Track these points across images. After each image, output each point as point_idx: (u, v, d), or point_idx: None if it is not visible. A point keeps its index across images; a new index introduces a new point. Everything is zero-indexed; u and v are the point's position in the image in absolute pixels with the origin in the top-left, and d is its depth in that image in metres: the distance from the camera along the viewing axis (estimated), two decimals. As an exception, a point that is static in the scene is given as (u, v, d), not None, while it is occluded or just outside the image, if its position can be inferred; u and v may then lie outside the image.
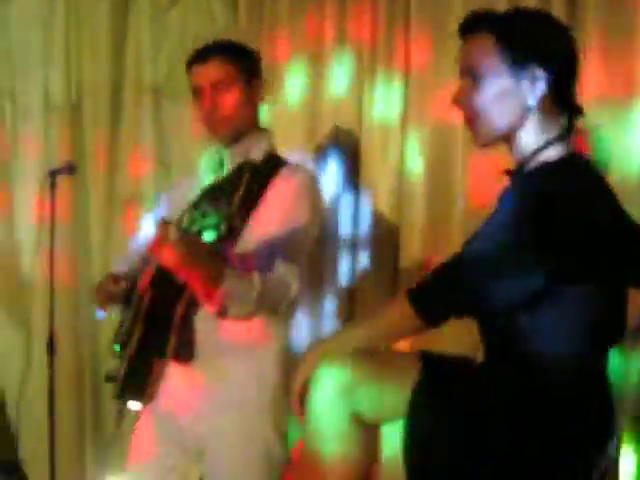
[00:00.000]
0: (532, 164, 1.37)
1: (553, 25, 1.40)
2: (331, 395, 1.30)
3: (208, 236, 1.56)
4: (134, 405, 1.90)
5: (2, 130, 3.02)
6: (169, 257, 1.54)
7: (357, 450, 1.31)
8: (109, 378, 1.93)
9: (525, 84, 1.35)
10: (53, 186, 2.59)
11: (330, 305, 2.53)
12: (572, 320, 1.30)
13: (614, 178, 1.98)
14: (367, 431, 1.33)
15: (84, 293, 2.93)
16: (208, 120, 1.89)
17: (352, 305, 2.50)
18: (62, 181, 2.71)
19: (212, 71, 1.86)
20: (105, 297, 1.95)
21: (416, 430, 1.28)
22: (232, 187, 1.84)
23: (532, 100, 1.35)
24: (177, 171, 3.04)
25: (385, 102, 2.51)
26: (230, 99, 1.86)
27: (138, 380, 1.84)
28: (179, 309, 1.78)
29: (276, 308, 1.81)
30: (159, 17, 3.04)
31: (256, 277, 1.73)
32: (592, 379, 1.34)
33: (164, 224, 1.52)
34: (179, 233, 1.51)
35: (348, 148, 2.59)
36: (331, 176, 2.59)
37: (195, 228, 1.58)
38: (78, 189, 3.01)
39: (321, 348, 1.40)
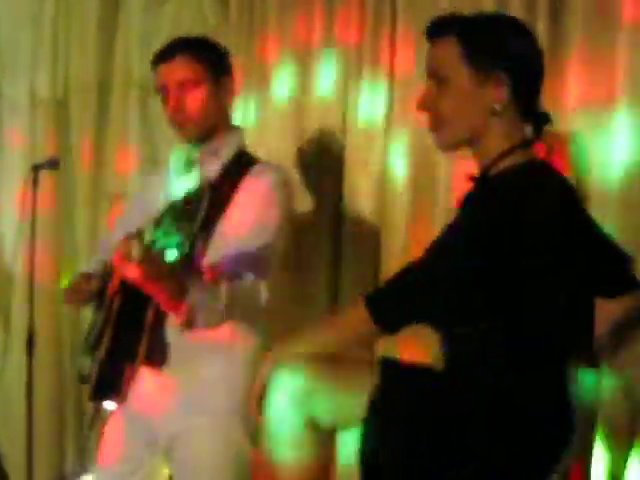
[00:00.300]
0: (495, 170, 1.36)
1: (518, 30, 1.39)
2: (285, 400, 1.30)
3: (171, 255, 1.54)
4: (109, 405, 1.90)
5: None
6: (132, 274, 1.53)
7: (311, 455, 1.30)
8: (82, 378, 1.93)
9: (489, 89, 1.34)
10: (35, 181, 2.58)
11: (314, 309, 2.52)
12: (530, 328, 1.29)
13: (594, 184, 1.99)
14: (322, 436, 1.32)
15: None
16: (174, 120, 1.86)
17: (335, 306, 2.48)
18: (46, 177, 2.71)
19: (178, 70, 1.83)
20: (77, 296, 1.94)
21: (373, 435, 1.27)
22: (195, 204, 1.80)
23: (496, 105, 1.34)
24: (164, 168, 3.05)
25: (370, 103, 2.51)
26: (197, 99, 1.83)
27: (110, 382, 1.83)
28: (149, 313, 1.77)
29: (245, 316, 1.80)
30: (149, 15, 3.04)
31: (223, 289, 1.70)
32: (550, 386, 1.33)
33: (127, 241, 1.51)
34: (142, 251, 1.49)
35: (332, 148, 2.59)
36: (314, 177, 2.59)
37: (158, 246, 1.56)
38: (63, 185, 3.01)
39: (279, 352, 1.39)
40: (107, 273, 1.89)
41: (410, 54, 2.42)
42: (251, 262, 1.72)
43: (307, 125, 2.65)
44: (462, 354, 1.35)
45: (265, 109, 2.74)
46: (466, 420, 1.27)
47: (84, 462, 2.66)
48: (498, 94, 1.34)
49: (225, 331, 1.80)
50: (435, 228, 2.32)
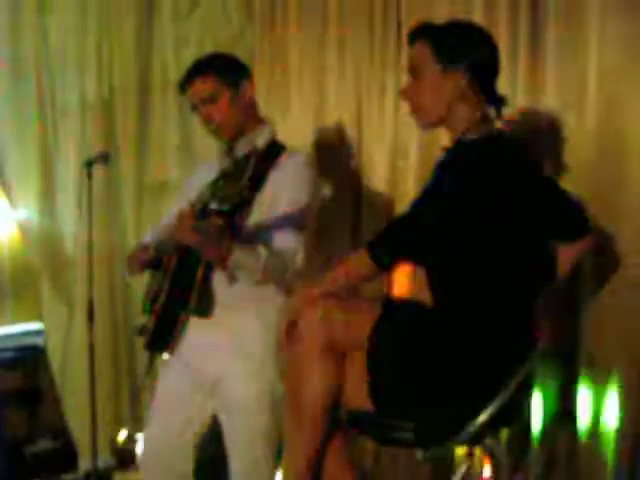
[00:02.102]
0: (463, 141, 1.74)
1: (477, 34, 1.77)
2: (309, 328, 1.69)
3: (224, 207, 1.95)
4: (162, 354, 2.30)
5: (43, 126, 3.42)
6: (187, 239, 1.96)
7: (330, 371, 1.69)
8: (139, 331, 2.33)
9: (452, 78, 1.72)
10: (90, 174, 3.01)
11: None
12: (498, 265, 1.67)
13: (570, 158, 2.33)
14: (337, 356, 1.71)
15: (117, 267, 3.37)
16: (209, 130, 2.24)
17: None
18: (98, 170, 3.12)
19: (198, 90, 2.18)
20: (135, 263, 2.34)
21: (376, 353, 1.66)
22: (241, 169, 2.20)
23: (458, 91, 1.71)
24: (200, 160, 3.46)
25: (380, 94, 2.89)
26: (221, 109, 2.18)
27: (165, 332, 2.22)
28: (199, 272, 2.14)
29: (283, 276, 2.14)
30: (180, 21, 3.45)
31: (262, 250, 2.07)
32: (518, 313, 1.70)
33: (182, 213, 1.93)
34: (194, 221, 1.91)
35: (350, 134, 2.98)
36: (335, 156, 2.96)
37: (213, 202, 1.97)
38: (112, 176, 3.43)
39: (302, 293, 1.79)
40: (161, 243, 2.29)
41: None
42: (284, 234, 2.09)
43: (327, 119, 3.04)
44: (445, 292, 1.73)
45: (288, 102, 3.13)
46: (450, 341, 1.65)
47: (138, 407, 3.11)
48: (460, 83, 1.72)
49: (259, 290, 2.16)
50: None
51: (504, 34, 2.41)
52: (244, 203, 2.08)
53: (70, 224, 3.40)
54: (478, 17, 2.45)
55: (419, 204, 1.67)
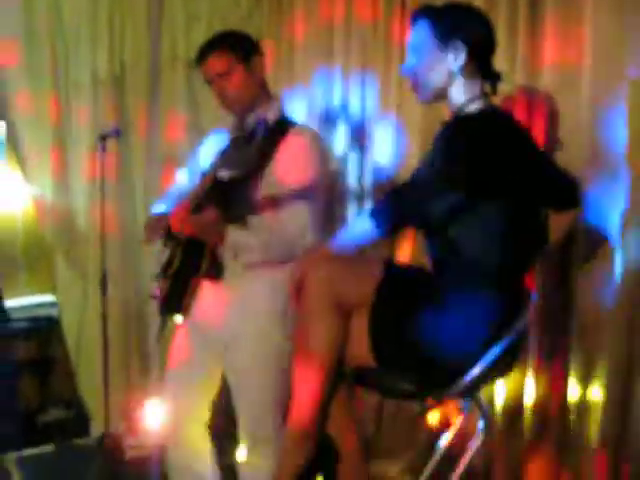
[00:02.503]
0: (461, 114, 1.86)
1: (473, 13, 1.88)
2: (317, 287, 1.82)
3: (235, 174, 2.06)
4: (176, 318, 2.43)
5: (57, 99, 3.53)
6: (184, 231, 2.18)
7: (335, 325, 1.83)
8: (153, 297, 2.46)
9: (450, 56, 1.84)
10: (103, 148, 3.12)
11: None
12: (494, 232, 1.79)
13: (566, 130, 2.45)
14: (343, 315, 1.84)
15: (128, 240, 3.50)
16: (222, 104, 2.35)
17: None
18: (109, 144, 3.23)
19: (212, 66, 2.30)
20: (152, 232, 2.46)
21: (379, 312, 1.80)
22: (251, 141, 2.33)
23: (455, 67, 1.83)
24: (204, 134, 3.59)
25: (384, 73, 3.01)
26: (234, 83, 2.29)
27: (177, 294, 2.36)
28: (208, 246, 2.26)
29: (288, 253, 2.23)
30: (190, 2, 3.55)
31: (264, 228, 2.19)
32: (512, 276, 1.83)
33: (177, 208, 2.16)
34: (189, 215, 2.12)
35: (355, 112, 3.10)
36: (340, 135, 3.09)
37: (222, 170, 2.08)
38: (122, 151, 3.55)
39: (311, 255, 1.92)
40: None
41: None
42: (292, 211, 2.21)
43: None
44: (443, 256, 1.86)
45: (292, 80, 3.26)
46: (448, 302, 1.78)
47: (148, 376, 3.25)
48: (457, 59, 1.83)
49: (268, 262, 2.28)
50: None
51: (503, 13, 2.51)
52: (252, 173, 2.20)
53: (82, 199, 3.51)
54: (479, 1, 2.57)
55: (419, 174, 1.79)
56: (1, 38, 3.37)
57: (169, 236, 2.42)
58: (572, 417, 2.41)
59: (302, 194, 2.23)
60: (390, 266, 1.88)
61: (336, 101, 3.20)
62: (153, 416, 3.43)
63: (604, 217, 2.24)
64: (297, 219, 2.23)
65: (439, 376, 1.78)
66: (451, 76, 1.85)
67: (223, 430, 2.58)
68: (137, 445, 3.38)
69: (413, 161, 2.86)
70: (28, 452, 3.39)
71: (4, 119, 3.58)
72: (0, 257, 4.09)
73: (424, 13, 1.86)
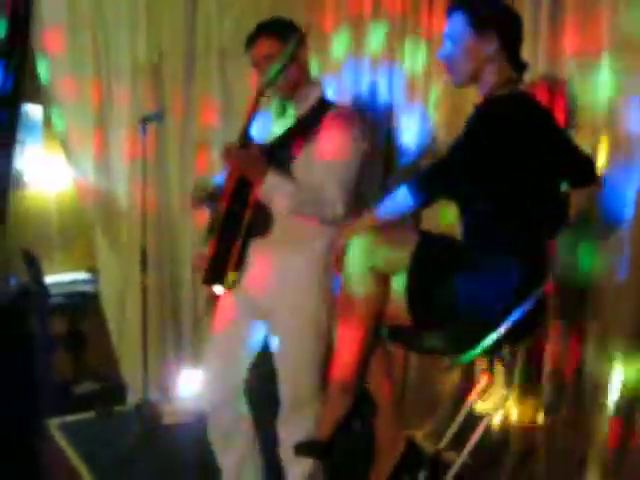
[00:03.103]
0: (490, 98, 2.07)
1: (504, 6, 2.10)
2: (358, 255, 2.04)
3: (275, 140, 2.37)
4: (218, 289, 2.64)
5: (99, 86, 3.76)
6: (230, 162, 2.42)
7: (375, 290, 2.05)
8: (196, 268, 2.68)
9: (483, 43, 2.05)
10: (144, 131, 3.35)
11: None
12: (519, 204, 2.00)
13: (585, 117, 2.65)
14: (382, 279, 2.07)
15: (164, 219, 3.74)
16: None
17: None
18: (148, 127, 3.46)
19: (261, 49, 2.49)
20: (198, 198, 2.65)
21: (414, 277, 2.01)
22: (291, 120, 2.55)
23: (487, 54, 2.05)
24: (237, 121, 3.82)
25: (412, 61, 3.23)
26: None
27: (221, 266, 2.57)
28: (252, 195, 2.45)
29: (317, 213, 2.42)
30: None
31: (297, 183, 2.40)
32: (535, 246, 2.05)
33: (228, 144, 2.41)
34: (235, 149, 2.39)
35: (383, 99, 3.32)
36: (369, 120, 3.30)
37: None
38: (159, 134, 3.78)
39: (352, 225, 2.14)
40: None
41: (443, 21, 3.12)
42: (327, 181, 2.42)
43: (362, 81, 3.39)
44: (473, 226, 2.08)
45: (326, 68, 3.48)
46: (477, 267, 2.00)
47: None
48: (489, 47, 2.05)
49: (311, 227, 2.49)
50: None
51: (527, 6, 2.72)
52: (292, 141, 2.44)
53: (123, 179, 3.74)
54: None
55: (454, 151, 2.01)
56: (48, 27, 3.59)
57: (213, 203, 2.63)
58: (587, 386, 2.63)
59: (337, 166, 2.43)
60: (425, 234, 2.09)
61: (364, 91, 3.43)
62: (188, 384, 3.69)
63: (621, 197, 2.46)
64: (330, 185, 2.41)
65: (468, 335, 1.99)
66: (483, 62, 2.06)
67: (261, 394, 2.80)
68: (173, 412, 3.63)
69: (439, 139, 3.09)
70: (70, 418, 3.64)
71: (46, 104, 3.82)
72: (37, 236, 4.35)
73: (460, 5, 2.08)
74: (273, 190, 2.41)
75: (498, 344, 1.99)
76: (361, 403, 2.13)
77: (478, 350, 1.98)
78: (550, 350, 2.65)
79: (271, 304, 2.55)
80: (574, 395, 2.67)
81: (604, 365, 2.55)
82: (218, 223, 2.53)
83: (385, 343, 2.17)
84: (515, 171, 1.95)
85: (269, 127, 2.64)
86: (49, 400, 3.89)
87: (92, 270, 4.33)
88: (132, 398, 3.81)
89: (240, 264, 2.54)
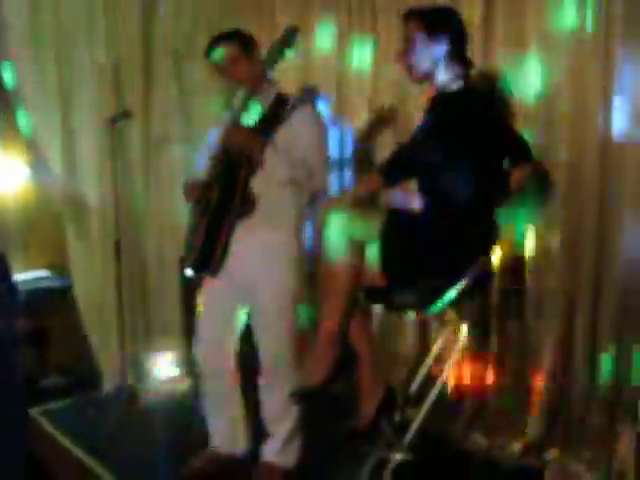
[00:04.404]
0: (441, 93, 2.53)
1: (452, 12, 2.58)
2: (337, 227, 2.48)
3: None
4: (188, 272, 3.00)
5: (62, 89, 3.98)
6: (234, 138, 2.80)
7: (353, 258, 2.49)
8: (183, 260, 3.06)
9: (436, 45, 2.50)
10: (113, 130, 3.69)
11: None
12: (470, 180, 2.47)
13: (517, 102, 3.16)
14: (358, 248, 2.51)
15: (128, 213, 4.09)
16: (232, 84, 2.94)
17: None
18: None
19: (222, 54, 2.89)
20: (191, 192, 3.01)
21: (386, 244, 2.46)
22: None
23: (439, 54, 2.50)
24: (197, 118, 4.22)
25: (360, 56, 3.70)
26: (240, 69, 2.87)
27: (210, 253, 2.90)
28: (240, 177, 2.84)
29: (310, 177, 2.81)
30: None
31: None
32: (482, 218, 2.53)
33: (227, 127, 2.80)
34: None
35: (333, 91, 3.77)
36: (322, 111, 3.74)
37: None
38: (121, 134, 4.10)
39: (331, 203, 2.57)
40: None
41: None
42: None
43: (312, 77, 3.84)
44: (433, 201, 2.54)
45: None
46: (436, 234, 2.46)
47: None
48: (441, 48, 2.49)
49: (286, 213, 2.91)
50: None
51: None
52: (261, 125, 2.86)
53: (90, 177, 4.04)
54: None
55: (416, 138, 2.46)
56: (11, 34, 3.84)
57: (202, 197, 2.98)
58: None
59: (314, 145, 2.88)
60: (392, 209, 2.55)
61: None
62: (163, 367, 4.06)
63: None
64: (314, 159, 2.85)
65: (434, 291, 2.45)
66: (436, 61, 2.52)
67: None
68: (149, 394, 3.99)
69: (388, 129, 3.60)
70: (51, 406, 3.94)
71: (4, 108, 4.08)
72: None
73: (414, 12, 2.53)
74: (274, 160, 2.80)
75: (460, 297, 2.46)
76: (347, 358, 2.57)
77: (444, 302, 2.44)
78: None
79: (254, 278, 2.94)
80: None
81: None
82: (209, 209, 2.91)
83: (363, 303, 2.61)
84: (469, 153, 2.41)
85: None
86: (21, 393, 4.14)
87: (51, 267, 4.61)
88: (108, 385, 4.12)
89: (228, 249, 2.94)
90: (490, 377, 3.36)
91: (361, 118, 3.74)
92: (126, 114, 3.75)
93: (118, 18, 4.09)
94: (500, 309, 3.20)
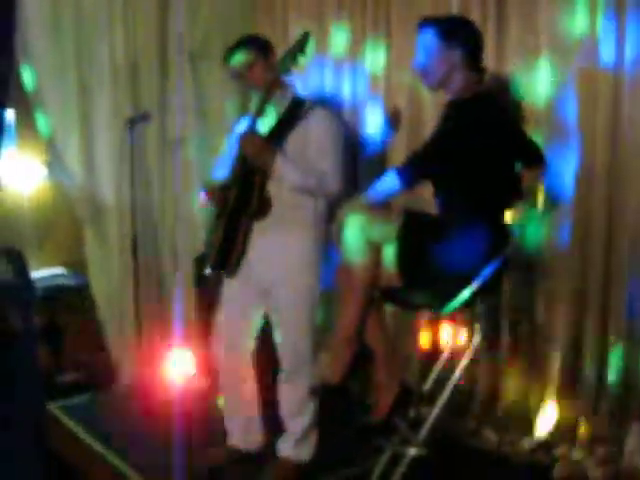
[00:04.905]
0: (456, 99, 2.63)
1: (466, 21, 2.67)
2: (355, 229, 2.58)
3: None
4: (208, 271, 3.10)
5: (82, 90, 4.08)
6: (247, 147, 2.89)
7: (370, 258, 2.59)
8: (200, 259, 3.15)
9: (451, 53, 2.58)
10: (132, 132, 3.80)
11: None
12: (484, 182, 2.56)
13: (528, 106, 3.25)
14: (375, 249, 2.61)
15: (146, 213, 4.19)
16: (250, 89, 3.06)
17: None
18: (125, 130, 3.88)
19: (240, 60, 3.00)
20: (213, 197, 3.11)
21: (402, 246, 2.56)
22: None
23: (455, 62, 2.58)
24: (212, 119, 4.32)
25: (373, 57, 3.80)
26: (257, 74, 2.98)
27: (228, 252, 3.01)
28: (257, 178, 2.95)
29: (322, 187, 2.91)
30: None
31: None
32: (497, 215, 2.62)
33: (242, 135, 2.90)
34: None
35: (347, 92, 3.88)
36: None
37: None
38: (139, 134, 4.19)
39: (349, 205, 2.67)
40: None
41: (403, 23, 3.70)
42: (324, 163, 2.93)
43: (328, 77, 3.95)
44: (447, 204, 2.64)
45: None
46: (453, 237, 2.55)
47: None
48: (456, 56, 2.58)
49: (304, 216, 3.01)
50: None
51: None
52: (276, 135, 2.94)
53: (107, 178, 4.13)
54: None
55: (433, 141, 2.56)
56: (32, 36, 3.94)
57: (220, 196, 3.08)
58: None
59: (328, 148, 2.95)
60: (408, 211, 2.65)
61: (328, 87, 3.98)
62: (177, 364, 4.16)
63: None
64: (327, 164, 2.92)
65: (448, 292, 2.55)
66: (452, 68, 2.61)
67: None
68: (165, 389, 4.08)
69: (403, 127, 3.72)
70: (70, 401, 4.05)
71: (23, 109, 4.18)
72: (13, 234, 4.71)
73: (430, 21, 2.63)
74: (284, 169, 2.90)
75: (473, 298, 2.56)
76: (362, 356, 2.67)
77: (457, 303, 2.54)
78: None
79: (271, 279, 3.05)
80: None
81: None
82: (227, 210, 3.01)
83: (379, 303, 2.71)
84: (483, 156, 2.51)
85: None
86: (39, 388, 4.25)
87: (67, 265, 4.74)
88: (123, 380, 4.23)
89: (245, 249, 3.05)
90: (501, 374, 3.46)
91: (374, 121, 3.84)
92: (145, 116, 3.85)
93: (137, 18, 4.17)
94: (511, 309, 3.30)
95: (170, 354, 4.18)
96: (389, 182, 2.57)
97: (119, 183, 4.09)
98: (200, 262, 3.18)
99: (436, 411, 2.68)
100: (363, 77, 3.90)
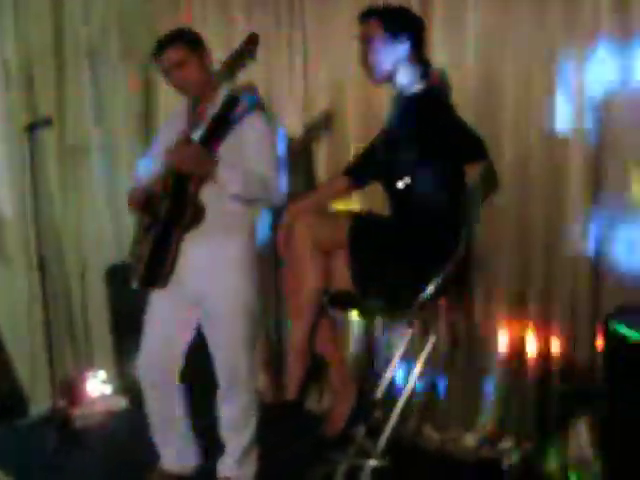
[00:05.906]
0: (404, 94, 2.57)
1: (410, 13, 2.62)
2: (302, 235, 2.47)
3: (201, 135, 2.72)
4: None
5: None
6: (184, 158, 2.71)
7: (318, 262, 2.49)
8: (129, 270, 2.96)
9: (397, 46, 2.52)
10: (31, 138, 3.52)
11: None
12: (436, 181, 2.51)
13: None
14: (323, 253, 2.51)
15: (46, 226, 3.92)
16: (179, 89, 2.88)
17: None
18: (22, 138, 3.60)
19: (172, 56, 2.81)
20: (136, 203, 2.91)
21: (352, 249, 2.48)
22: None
23: (401, 54, 2.51)
24: (112, 124, 4.11)
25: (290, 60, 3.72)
26: (190, 72, 2.81)
27: (159, 266, 2.83)
28: (191, 190, 2.78)
29: (265, 191, 2.74)
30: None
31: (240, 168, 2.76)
32: (449, 216, 2.58)
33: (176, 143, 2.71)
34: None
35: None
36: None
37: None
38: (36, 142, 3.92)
39: (294, 208, 2.56)
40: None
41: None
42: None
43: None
44: (399, 204, 2.57)
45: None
46: (405, 238, 2.48)
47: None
48: (402, 48, 2.51)
49: (238, 222, 2.87)
50: (348, 138, 3.55)
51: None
52: (208, 139, 2.78)
53: (5, 189, 3.86)
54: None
55: (382, 139, 2.49)
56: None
57: (148, 206, 2.90)
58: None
59: (265, 150, 2.82)
60: (357, 214, 2.57)
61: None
62: (94, 386, 3.95)
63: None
64: (266, 167, 2.78)
65: (403, 295, 2.49)
66: (398, 62, 2.54)
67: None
68: (83, 415, 3.87)
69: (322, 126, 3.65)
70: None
71: None
72: None
73: (375, 12, 2.54)
74: (227, 178, 2.74)
75: (425, 302, 2.50)
76: (315, 366, 2.58)
77: (413, 305, 2.48)
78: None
79: (204, 289, 2.89)
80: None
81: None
82: (158, 222, 2.85)
83: (327, 310, 2.62)
84: (433, 153, 2.46)
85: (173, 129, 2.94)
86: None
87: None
88: (35, 409, 3.96)
89: (176, 261, 2.89)
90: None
91: (294, 120, 3.74)
92: (47, 121, 3.59)
93: (28, 16, 3.90)
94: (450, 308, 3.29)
95: (85, 376, 3.99)
96: (339, 181, 2.49)
97: (17, 196, 3.81)
98: (121, 272, 2.95)
99: (394, 419, 2.62)
100: (280, 73, 3.78)
